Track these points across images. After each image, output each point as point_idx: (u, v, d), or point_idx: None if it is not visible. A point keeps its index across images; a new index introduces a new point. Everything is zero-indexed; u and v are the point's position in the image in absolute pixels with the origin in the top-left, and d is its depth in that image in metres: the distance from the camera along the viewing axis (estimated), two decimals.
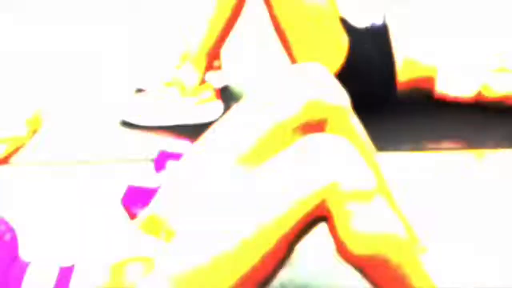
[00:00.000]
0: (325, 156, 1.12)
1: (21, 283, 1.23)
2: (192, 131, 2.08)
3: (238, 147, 1.32)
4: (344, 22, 2.21)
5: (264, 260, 1.14)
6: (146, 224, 1.27)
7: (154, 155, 1.63)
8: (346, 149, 1.13)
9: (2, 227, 1.27)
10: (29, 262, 1.25)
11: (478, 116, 2.25)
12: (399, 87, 2.22)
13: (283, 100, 1.31)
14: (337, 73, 2.06)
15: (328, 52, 2.13)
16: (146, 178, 1.51)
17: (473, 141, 2.13)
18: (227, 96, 2.37)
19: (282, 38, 2.13)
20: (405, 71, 2.23)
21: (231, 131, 1.33)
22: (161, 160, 1.54)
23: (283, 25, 2.10)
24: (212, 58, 2.20)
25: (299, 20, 2.09)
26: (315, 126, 1.32)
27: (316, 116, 1.32)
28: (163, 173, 1.53)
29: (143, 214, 1.34)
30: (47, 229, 1.90)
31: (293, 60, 2.16)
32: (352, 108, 1.81)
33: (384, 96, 2.23)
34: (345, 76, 2.05)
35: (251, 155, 1.31)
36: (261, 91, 1.37)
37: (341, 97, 1.35)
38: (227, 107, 2.24)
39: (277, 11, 2.09)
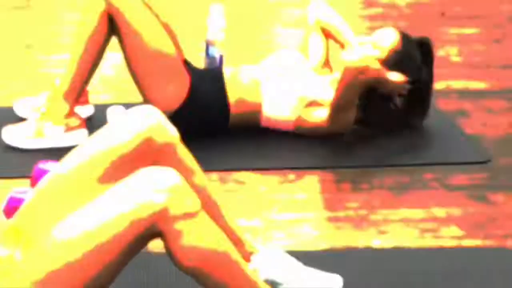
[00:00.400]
0: (156, 185, 1.22)
1: None
2: (62, 153, 2.12)
3: (86, 170, 1.39)
4: (187, 64, 2.42)
5: (106, 268, 1.25)
6: (6, 233, 1.34)
7: (31, 173, 1.83)
8: (173, 178, 1.24)
9: None
10: None
11: (297, 142, 2.42)
12: (231, 118, 2.44)
13: (121, 135, 1.40)
14: (180, 107, 2.33)
15: (171, 90, 2.33)
16: (24, 191, 1.65)
17: (292, 163, 2.29)
18: (92, 124, 2.50)
19: (133, 77, 2.35)
20: (236, 106, 2.43)
21: (82, 157, 1.40)
22: (36, 177, 1.70)
23: (134, 67, 2.32)
24: (79, 95, 2.33)
25: (147, 62, 2.30)
26: (150, 155, 1.43)
27: (147, 148, 1.42)
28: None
29: (7, 223, 1.40)
30: None
31: (142, 93, 2.37)
32: (188, 136, 2.04)
33: (218, 126, 2.44)
34: (187, 109, 2.32)
35: (97, 179, 1.39)
36: (108, 127, 1.45)
37: (170, 134, 1.46)
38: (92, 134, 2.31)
39: (129, 55, 2.31)
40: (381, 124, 2.48)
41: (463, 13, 3.97)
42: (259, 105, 2.43)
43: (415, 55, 2.42)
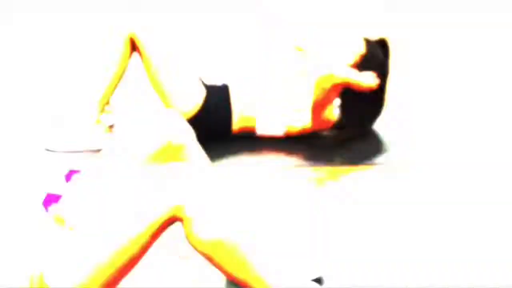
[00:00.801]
0: (179, 179, 1.32)
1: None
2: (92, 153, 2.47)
3: (117, 166, 1.52)
4: (200, 81, 2.59)
5: (132, 255, 1.33)
6: (55, 219, 1.47)
7: (65, 172, 1.79)
8: (195, 172, 1.35)
9: None
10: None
11: (288, 144, 2.64)
12: (234, 128, 2.63)
13: (146, 135, 1.54)
14: (195, 114, 2.50)
15: (186, 100, 2.49)
16: (58, 187, 1.66)
17: (279, 162, 2.48)
18: (116, 129, 2.64)
19: (156, 89, 2.50)
20: (238, 118, 2.61)
21: (113, 156, 1.54)
22: (69, 175, 1.68)
23: (157, 81, 2.48)
24: (106, 104, 2.49)
25: (167, 79, 2.45)
26: (171, 152, 1.56)
27: (169, 145, 1.55)
28: (69, 184, 1.66)
29: (55, 212, 1.49)
30: None
31: (163, 103, 2.51)
32: (205, 138, 2.21)
33: (223, 133, 2.63)
34: (201, 116, 2.50)
35: (126, 173, 1.52)
36: (133, 131, 1.58)
37: (186, 134, 1.59)
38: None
39: (153, 74, 2.46)
40: (353, 128, 2.67)
41: None
42: (253, 120, 2.64)
43: (377, 54, 2.58)
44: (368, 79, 2.51)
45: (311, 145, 2.67)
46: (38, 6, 4.59)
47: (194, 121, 2.51)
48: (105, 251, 1.31)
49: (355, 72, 2.51)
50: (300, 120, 2.64)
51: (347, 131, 2.69)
